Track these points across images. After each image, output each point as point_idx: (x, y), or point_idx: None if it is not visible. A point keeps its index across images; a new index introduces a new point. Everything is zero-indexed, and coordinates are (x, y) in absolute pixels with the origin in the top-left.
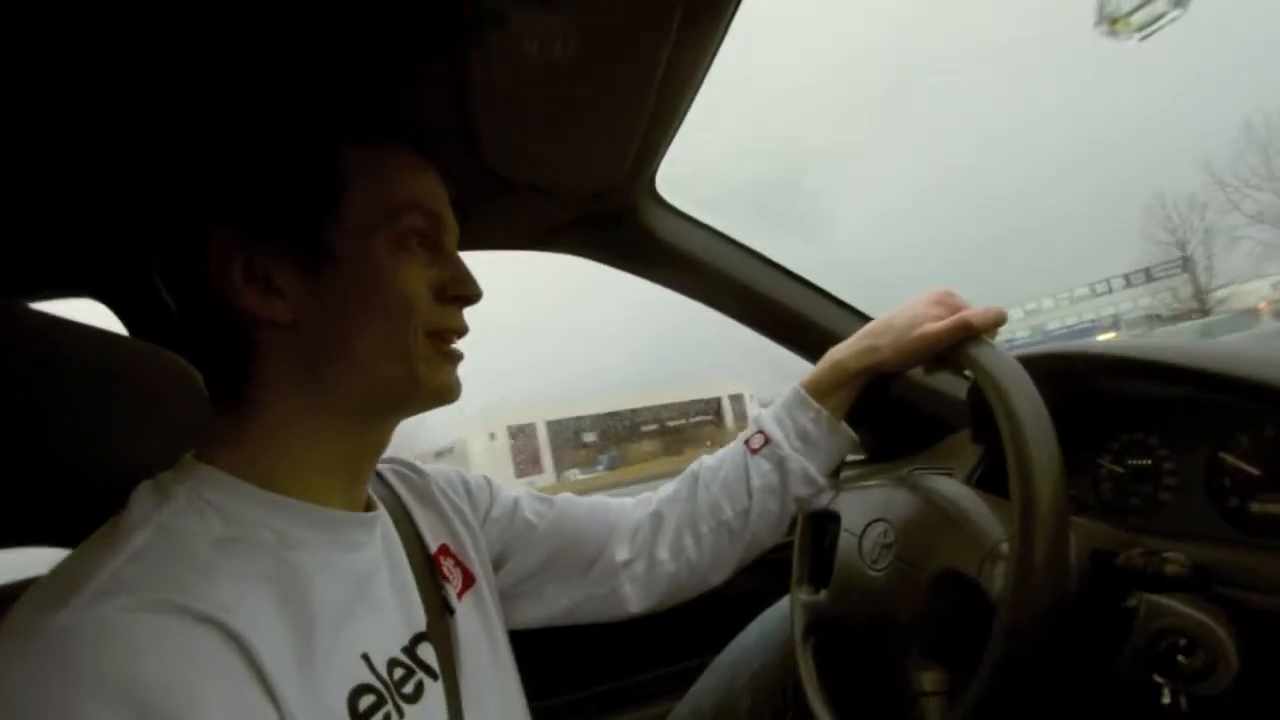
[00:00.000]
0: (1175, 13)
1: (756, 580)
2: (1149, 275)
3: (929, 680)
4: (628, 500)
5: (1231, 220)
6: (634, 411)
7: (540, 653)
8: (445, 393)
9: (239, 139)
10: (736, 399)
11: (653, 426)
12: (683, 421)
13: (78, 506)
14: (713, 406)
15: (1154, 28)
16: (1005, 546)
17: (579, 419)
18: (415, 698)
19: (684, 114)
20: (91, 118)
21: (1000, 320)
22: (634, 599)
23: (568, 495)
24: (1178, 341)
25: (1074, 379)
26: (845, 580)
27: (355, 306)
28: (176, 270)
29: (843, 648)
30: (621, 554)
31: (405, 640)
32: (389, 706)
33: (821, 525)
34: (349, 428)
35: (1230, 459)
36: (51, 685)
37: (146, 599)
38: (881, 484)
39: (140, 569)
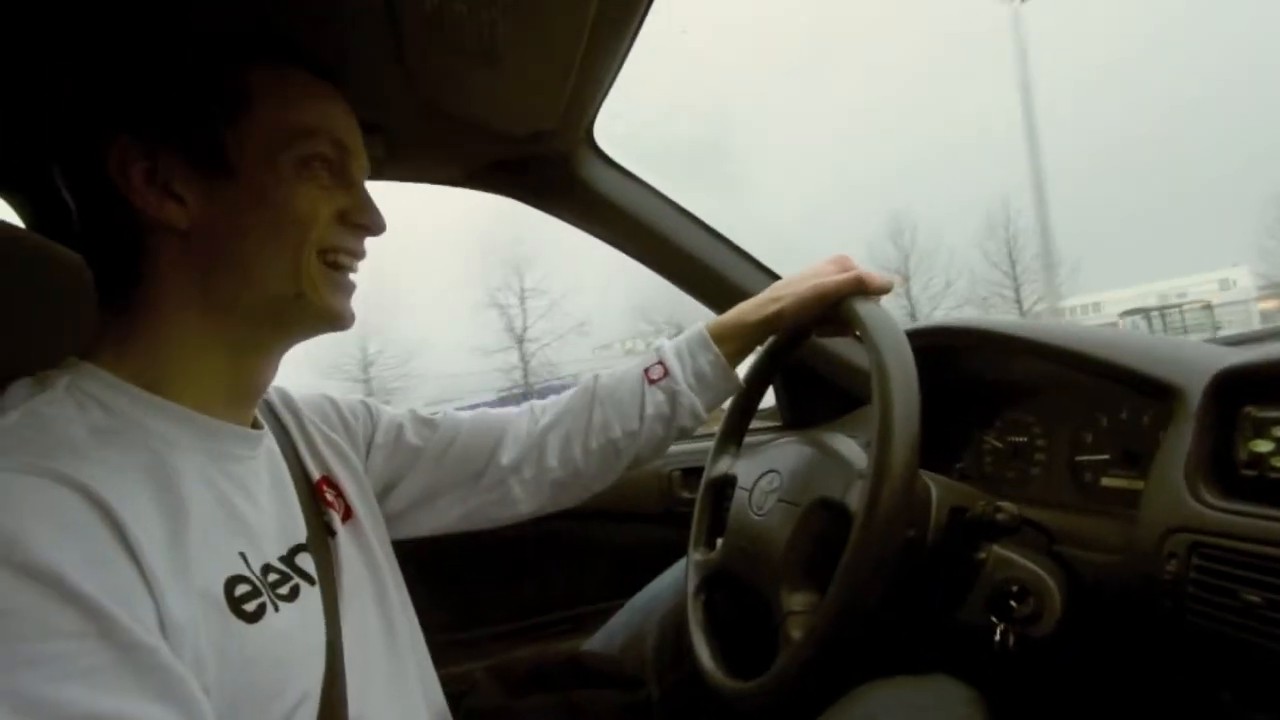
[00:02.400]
0: None
1: (669, 531)
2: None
3: (799, 601)
4: (512, 409)
5: None
6: None
7: (459, 588)
8: (333, 317)
9: (147, 48)
10: None
11: None
12: None
13: None
14: None
15: None
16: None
17: None
18: (291, 598)
19: (619, 62)
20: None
21: (890, 286)
22: (524, 500)
23: (449, 411)
24: (1054, 323)
25: (962, 356)
26: (734, 532)
27: (250, 221)
28: (77, 168)
29: (732, 599)
30: (508, 457)
31: (283, 550)
32: (265, 598)
33: (720, 492)
34: (236, 342)
35: (1089, 438)
36: None
37: (14, 461)
38: (774, 443)
39: (7, 440)
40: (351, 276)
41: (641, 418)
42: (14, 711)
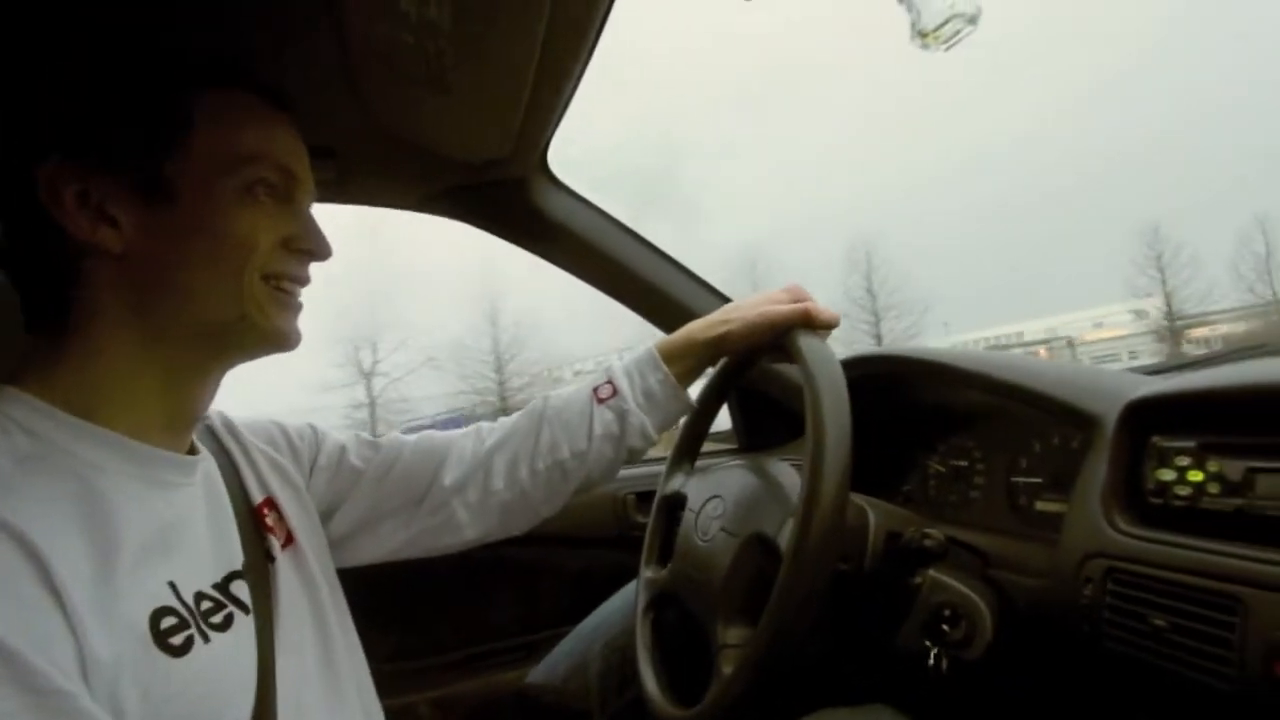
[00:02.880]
0: (969, 29)
1: (624, 556)
2: None
3: (733, 635)
4: (456, 431)
5: None
6: None
7: (404, 616)
8: (279, 338)
9: (83, 67)
10: None
11: None
12: None
13: None
14: None
15: (955, 40)
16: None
17: None
18: (224, 627)
19: (571, 89)
20: None
21: (835, 322)
22: (468, 525)
23: (395, 434)
24: (986, 353)
25: (904, 384)
26: (681, 554)
27: (191, 245)
28: (4, 188)
29: (678, 620)
30: (451, 478)
31: (217, 577)
32: (193, 630)
33: (673, 511)
34: (173, 366)
35: (1024, 463)
36: None
37: None
38: (723, 465)
39: None
40: (298, 298)
41: (590, 437)
42: None
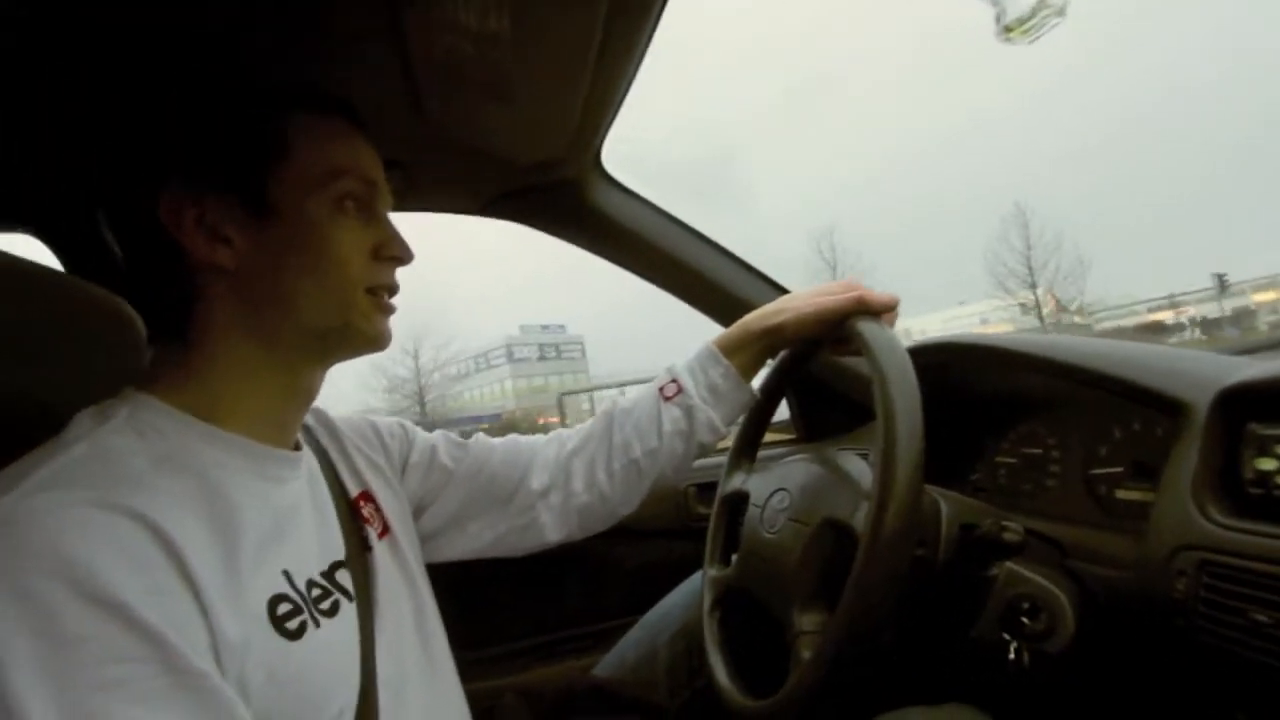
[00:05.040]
0: (1057, 20)
1: (686, 547)
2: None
3: (808, 621)
4: (540, 437)
5: None
6: None
7: (481, 605)
8: (379, 340)
9: (193, 99)
10: None
11: None
12: None
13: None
14: None
15: (1041, 33)
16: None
17: None
18: (332, 613)
19: (625, 90)
20: (55, 70)
21: (893, 304)
22: (551, 528)
23: (481, 436)
24: (1060, 338)
25: (972, 371)
26: (747, 549)
27: (294, 260)
28: (127, 215)
29: (746, 616)
30: (538, 482)
31: (324, 566)
32: (305, 616)
33: (735, 507)
34: (283, 370)
35: (1103, 450)
36: None
37: (79, 496)
38: (786, 459)
39: (77, 472)
40: (391, 300)
41: (660, 434)
42: None
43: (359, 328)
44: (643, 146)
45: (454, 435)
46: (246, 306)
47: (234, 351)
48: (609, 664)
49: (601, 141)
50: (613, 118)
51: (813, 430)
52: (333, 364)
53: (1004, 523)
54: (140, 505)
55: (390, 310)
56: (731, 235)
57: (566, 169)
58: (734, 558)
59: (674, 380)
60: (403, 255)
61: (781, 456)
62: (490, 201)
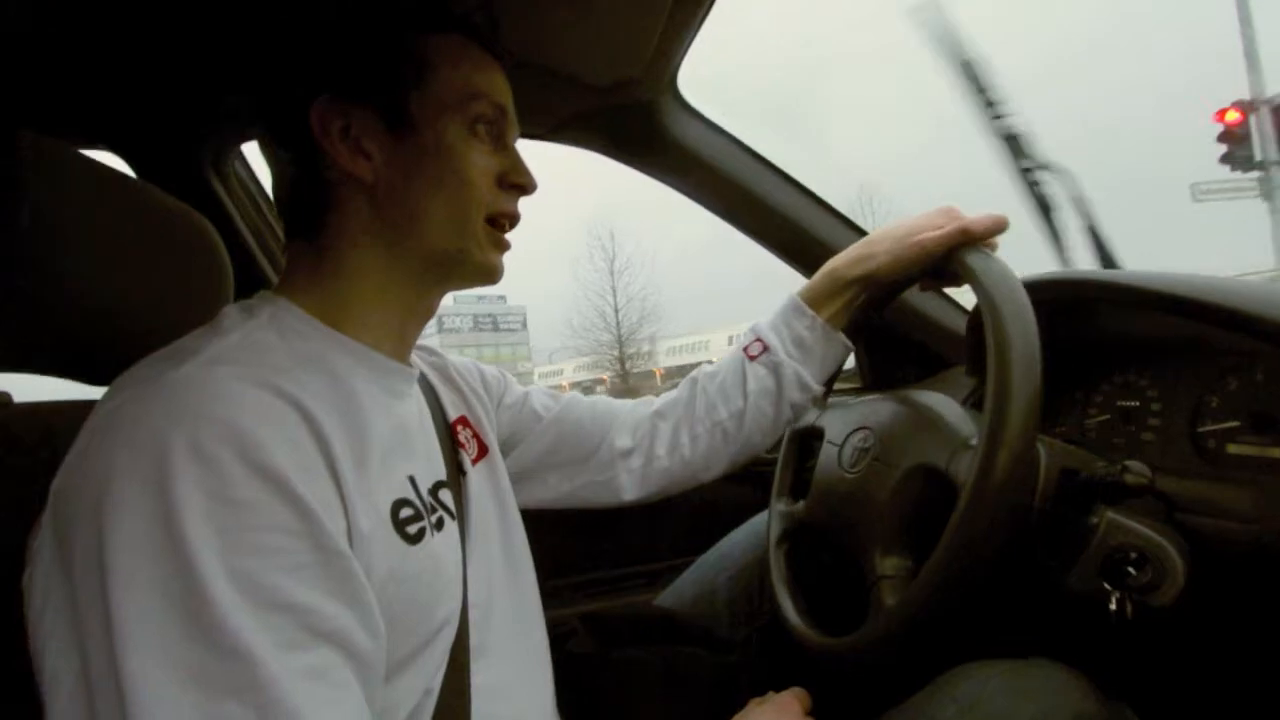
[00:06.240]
0: None
1: (747, 490)
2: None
3: (890, 565)
4: (629, 400)
5: None
6: None
7: (555, 538)
8: (491, 272)
9: (351, 19)
10: None
11: None
12: None
13: (80, 338)
14: None
15: None
16: (975, 440)
17: None
18: (440, 527)
19: (707, 9)
20: None
21: (1002, 225)
22: (628, 488)
23: (573, 394)
24: (1182, 275)
25: (1076, 312)
26: (822, 488)
27: (427, 177)
28: (283, 125)
29: (814, 553)
30: (622, 443)
31: (431, 483)
32: (425, 523)
33: (805, 443)
34: (407, 286)
35: (1214, 401)
36: (169, 420)
37: (247, 372)
38: (865, 400)
39: (240, 355)
40: (508, 235)
41: (745, 394)
42: (239, 591)
43: (474, 256)
44: (722, 70)
45: (547, 389)
46: (378, 221)
47: (363, 262)
48: (666, 599)
49: (679, 63)
50: (694, 35)
51: (880, 378)
52: (451, 289)
53: (1126, 463)
54: (294, 391)
55: (505, 246)
56: (800, 172)
57: (642, 90)
58: (804, 495)
59: (758, 339)
60: (527, 184)
61: (855, 398)
62: (560, 124)
